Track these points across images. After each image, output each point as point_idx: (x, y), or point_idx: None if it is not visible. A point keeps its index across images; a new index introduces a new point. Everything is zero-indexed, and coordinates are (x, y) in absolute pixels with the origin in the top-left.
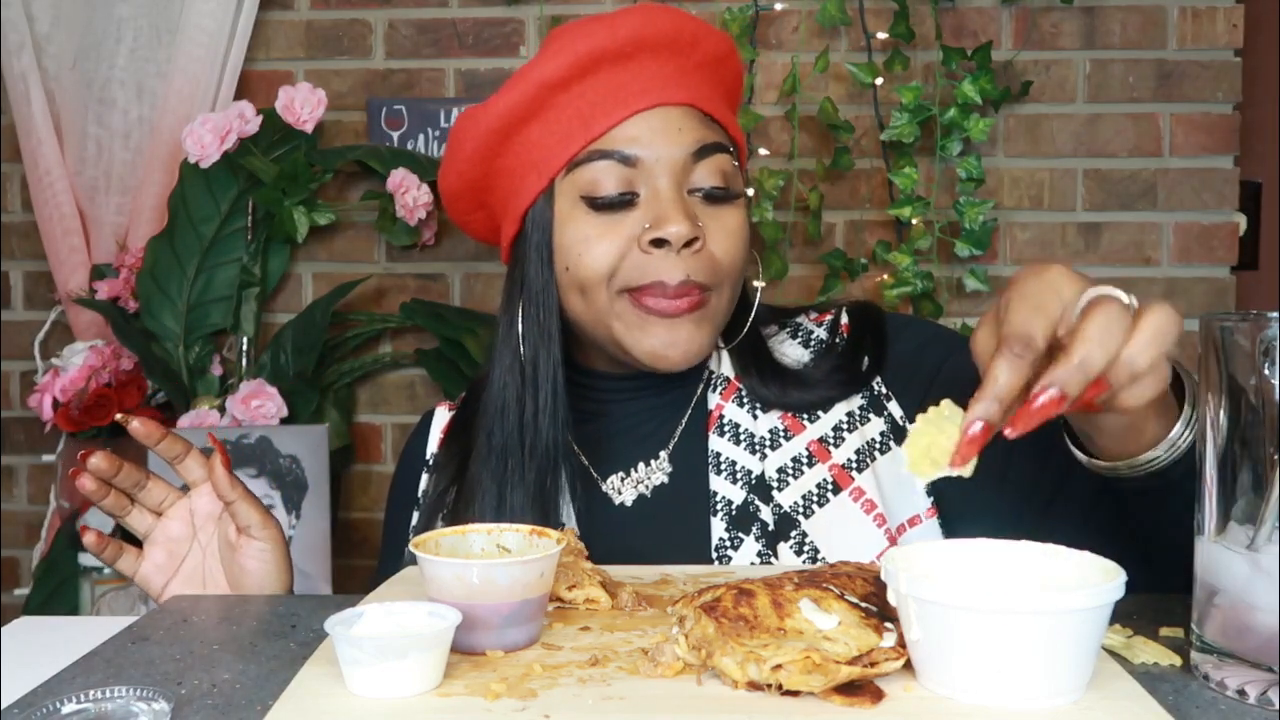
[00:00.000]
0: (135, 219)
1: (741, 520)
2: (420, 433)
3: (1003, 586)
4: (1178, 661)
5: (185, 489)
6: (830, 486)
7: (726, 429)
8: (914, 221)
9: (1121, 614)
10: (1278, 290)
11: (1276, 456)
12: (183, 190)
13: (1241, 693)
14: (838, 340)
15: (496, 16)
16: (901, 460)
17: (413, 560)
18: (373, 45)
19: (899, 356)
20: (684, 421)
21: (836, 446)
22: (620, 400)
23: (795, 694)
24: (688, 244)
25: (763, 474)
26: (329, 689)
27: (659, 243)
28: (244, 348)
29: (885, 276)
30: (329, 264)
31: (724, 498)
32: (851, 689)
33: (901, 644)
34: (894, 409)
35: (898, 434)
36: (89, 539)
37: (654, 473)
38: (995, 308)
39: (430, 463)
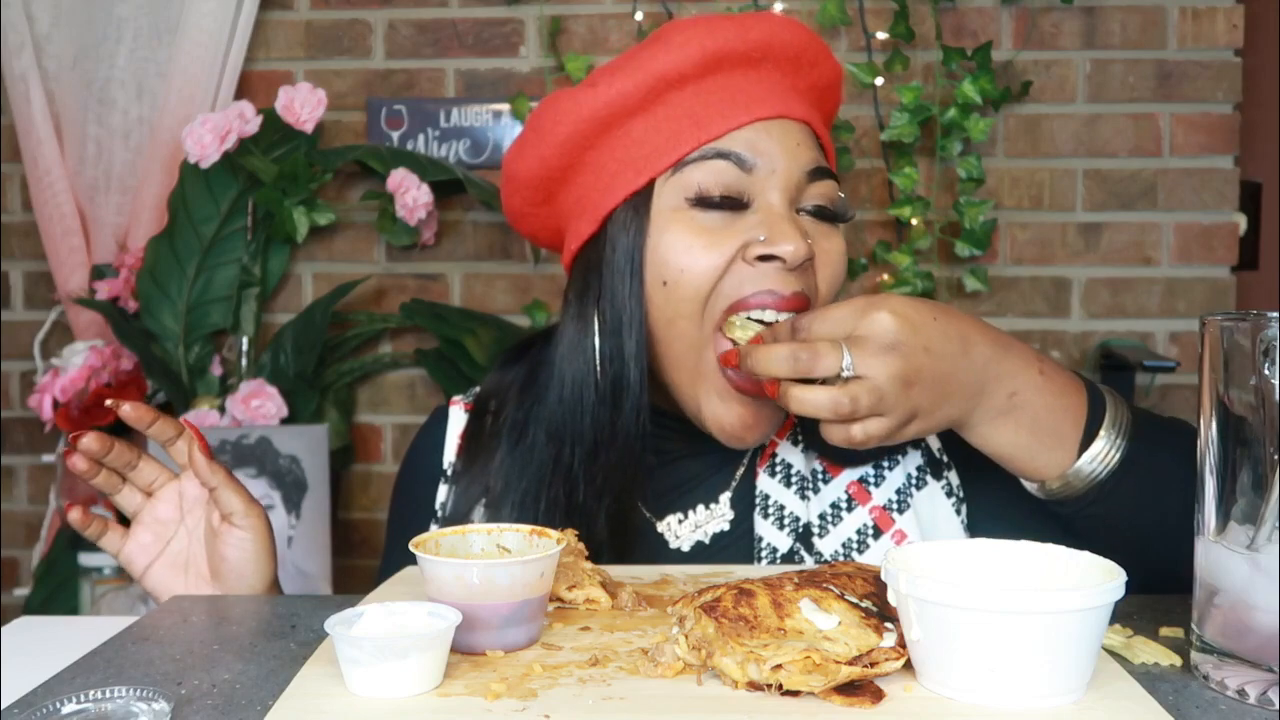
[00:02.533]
0: (135, 219)
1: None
2: (432, 434)
3: (1003, 586)
4: (1178, 661)
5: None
6: (871, 531)
7: (778, 468)
8: (914, 221)
9: (1121, 614)
10: (1278, 290)
11: (1276, 456)
12: (183, 190)
13: (1241, 693)
14: None
15: (496, 16)
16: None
17: (413, 560)
18: (373, 45)
19: None
20: (745, 462)
21: (877, 486)
22: (683, 438)
23: (795, 694)
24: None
25: (809, 521)
26: (329, 689)
27: (768, 258)
28: (244, 348)
29: (885, 276)
30: (329, 264)
31: (769, 544)
32: (851, 689)
33: (901, 644)
34: (931, 440)
35: (934, 467)
36: (74, 515)
37: (714, 518)
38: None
39: (449, 472)
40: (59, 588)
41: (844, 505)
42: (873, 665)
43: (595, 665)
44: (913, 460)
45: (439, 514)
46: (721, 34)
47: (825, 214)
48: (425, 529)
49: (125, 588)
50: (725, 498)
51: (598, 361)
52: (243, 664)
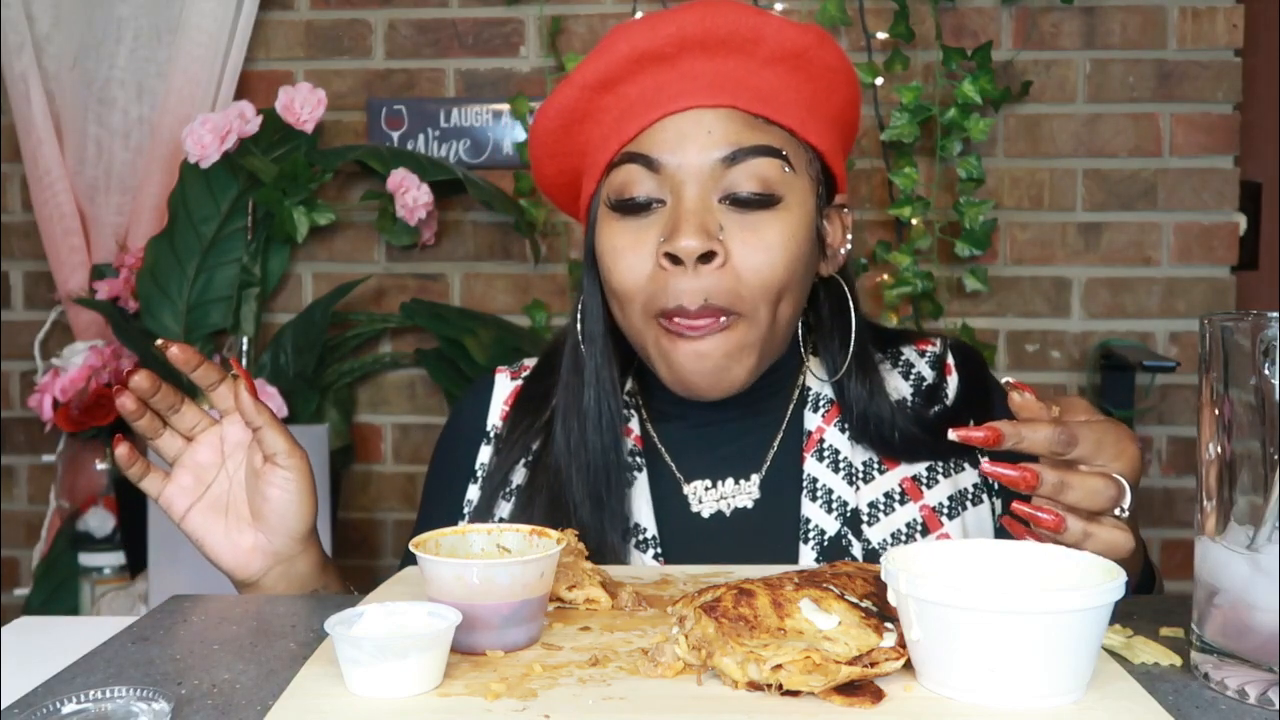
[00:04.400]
0: (135, 219)
1: (833, 552)
2: (478, 398)
3: (1003, 586)
4: (1178, 661)
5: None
6: (920, 527)
7: (826, 454)
8: (914, 221)
9: (1121, 614)
10: (1278, 290)
11: (1276, 456)
12: (183, 190)
13: (1241, 693)
14: (942, 383)
15: (496, 16)
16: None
17: (450, 519)
18: (373, 45)
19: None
20: (777, 442)
21: (930, 487)
22: (703, 406)
23: (795, 694)
24: (704, 259)
25: (857, 507)
26: (329, 689)
27: (674, 258)
28: (244, 348)
29: (885, 276)
30: (329, 264)
31: (817, 526)
32: (851, 689)
33: (901, 644)
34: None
35: (988, 491)
36: (121, 450)
37: (740, 494)
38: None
39: (491, 434)
40: (59, 588)
41: (897, 497)
42: (873, 665)
43: (595, 665)
44: (968, 477)
45: (478, 474)
46: (633, 37)
47: (748, 200)
48: (464, 488)
49: (125, 587)
50: (756, 478)
51: (581, 345)
52: (243, 664)
